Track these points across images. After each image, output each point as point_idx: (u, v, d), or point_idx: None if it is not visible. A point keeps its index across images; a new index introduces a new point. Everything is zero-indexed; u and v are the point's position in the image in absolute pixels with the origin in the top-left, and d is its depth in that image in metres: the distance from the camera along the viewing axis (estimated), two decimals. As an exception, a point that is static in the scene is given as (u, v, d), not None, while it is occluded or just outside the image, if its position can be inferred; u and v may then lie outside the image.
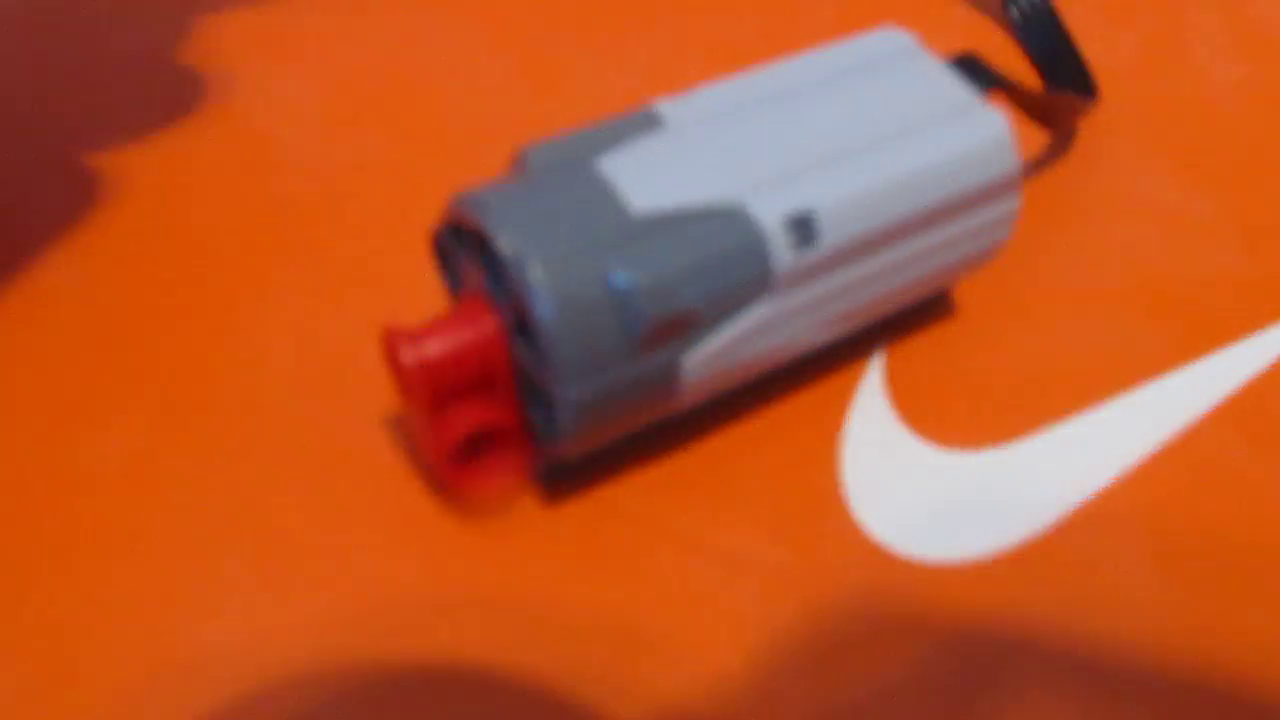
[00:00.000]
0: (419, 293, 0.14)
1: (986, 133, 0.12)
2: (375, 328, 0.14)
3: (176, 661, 0.11)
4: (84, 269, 0.14)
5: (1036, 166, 0.17)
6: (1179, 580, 0.12)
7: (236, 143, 0.15)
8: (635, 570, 0.12)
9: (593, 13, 0.18)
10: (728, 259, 0.11)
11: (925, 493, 0.13)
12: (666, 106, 0.12)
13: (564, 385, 0.10)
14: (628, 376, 0.11)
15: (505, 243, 0.10)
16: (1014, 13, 0.18)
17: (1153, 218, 0.16)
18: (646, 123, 0.12)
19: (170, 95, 0.16)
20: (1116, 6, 0.19)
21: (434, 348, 0.11)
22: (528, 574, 0.12)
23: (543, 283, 0.10)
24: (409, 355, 0.11)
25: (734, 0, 0.19)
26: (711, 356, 0.11)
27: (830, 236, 0.11)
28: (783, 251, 0.11)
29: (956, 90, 0.13)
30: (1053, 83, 0.18)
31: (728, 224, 0.11)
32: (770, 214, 0.11)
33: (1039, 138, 0.17)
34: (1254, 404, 0.14)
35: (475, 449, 0.11)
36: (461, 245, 0.12)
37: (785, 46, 0.18)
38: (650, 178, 0.11)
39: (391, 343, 0.11)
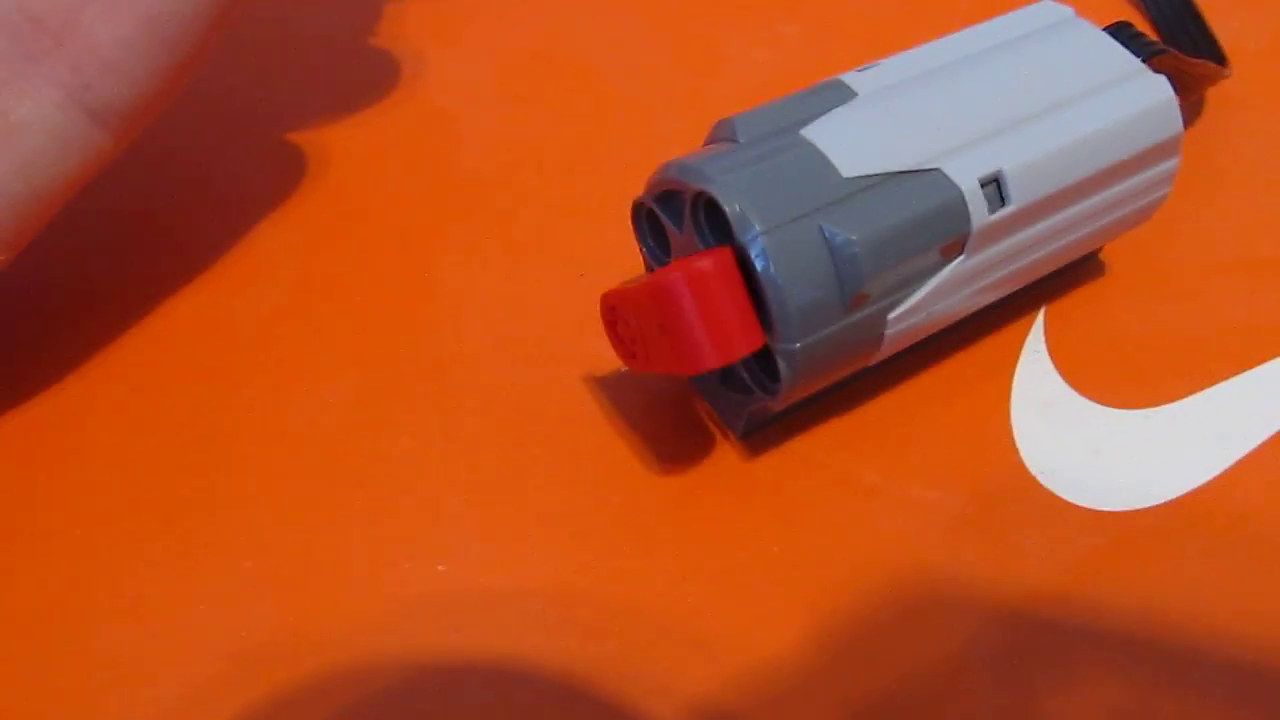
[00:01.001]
0: (597, 256, 0.15)
1: (1153, 97, 0.13)
2: (558, 289, 0.15)
3: (407, 598, 0.12)
4: (295, 241, 0.15)
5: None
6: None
7: (421, 121, 0.16)
8: (825, 518, 0.13)
9: (750, 9, 0.19)
10: (933, 219, 0.12)
11: (1091, 446, 0.14)
12: (853, 78, 0.13)
13: (785, 339, 0.11)
14: (842, 330, 0.12)
15: (730, 205, 0.11)
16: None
17: (1286, 184, 0.17)
18: (839, 93, 0.13)
19: (361, 77, 0.17)
20: None
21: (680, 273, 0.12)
22: (729, 522, 0.13)
23: (767, 240, 0.11)
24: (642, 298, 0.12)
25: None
26: (911, 311, 0.12)
27: (1018, 197, 0.12)
28: (980, 211, 0.12)
29: (1120, 57, 0.14)
30: (1181, 48, 0.18)
31: (931, 186, 0.12)
32: (966, 176, 0.12)
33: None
34: None
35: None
36: (669, 214, 0.13)
37: (923, 22, 0.19)
38: (853, 143, 0.12)
39: (616, 302, 0.12)
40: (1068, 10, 0.14)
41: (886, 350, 0.13)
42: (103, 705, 0.12)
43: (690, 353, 0.11)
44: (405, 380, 0.14)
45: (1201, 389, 0.14)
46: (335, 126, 0.16)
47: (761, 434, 0.14)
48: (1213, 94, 0.18)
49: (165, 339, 0.14)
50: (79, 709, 0.12)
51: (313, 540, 0.13)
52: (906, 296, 0.12)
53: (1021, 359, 0.14)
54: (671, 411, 0.14)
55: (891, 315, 0.12)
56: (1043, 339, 0.15)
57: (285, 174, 0.16)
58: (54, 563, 0.13)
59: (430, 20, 0.18)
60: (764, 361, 0.12)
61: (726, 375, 0.13)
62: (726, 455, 0.13)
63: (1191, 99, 0.18)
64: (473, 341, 0.15)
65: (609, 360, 0.14)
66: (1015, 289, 0.14)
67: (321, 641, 0.12)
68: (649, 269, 0.14)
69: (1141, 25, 0.19)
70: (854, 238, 0.11)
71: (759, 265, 0.11)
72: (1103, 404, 0.14)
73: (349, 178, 0.16)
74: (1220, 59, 0.18)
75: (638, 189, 0.13)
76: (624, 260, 0.14)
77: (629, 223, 0.14)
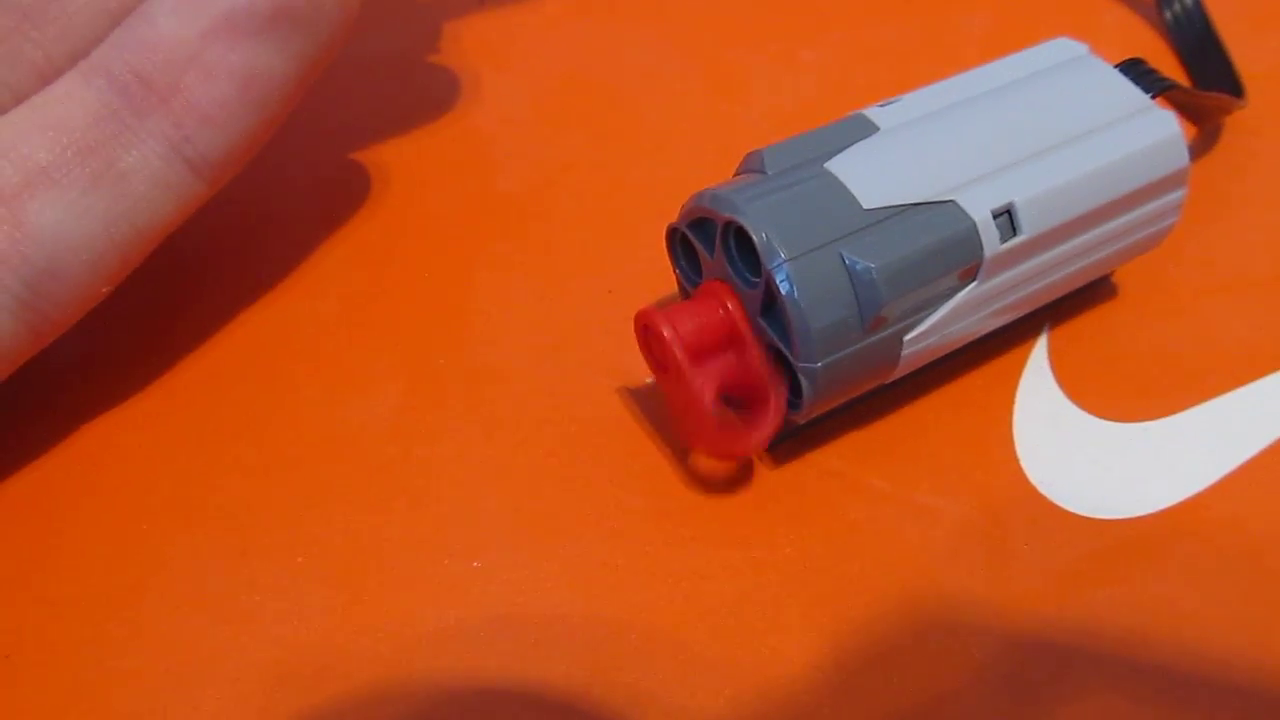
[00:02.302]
0: (628, 273, 0.16)
1: (1160, 132, 0.14)
2: (593, 307, 0.16)
3: (443, 593, 0.14)
4: (347, 255, 0.16)
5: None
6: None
7: (466, 142, 0.18)
8: (839, 521, 0.14)
9: (766, 26, 0.20)
10: (947, 248, 0.13)
11: (1089, 457, 0.15)
12: (875, 112, 0.14)
13: (808, 358, 0.13)
14: (860, 350, 0.13)
15: (758, 234, 0.13)
16: (1168, 16, 0.20)
17: (1297, 210, 0.18)
18: (861, 128, 0.14)
19: (414, 99, 0.18)
20: (1262, 15, 0.21)
21: (688, 324, 0.13)
22: (751, 524, 0.14)
23: (791, 267, 0.12)
24: (670, 330, 0.13)
25: (893, 12, 0.21)
26: (926, 334, 0.13)
27: (1028, 227, 0.13)
28: (991, 241, 0.13)
29: (1130, 93, 0.15)
30: (1201, 83, 0.20)
31: (946, 217, 0.13)
32: (980, 208, 0.13)
33: (1186, 133, 0.19)
34: None
35: (729, 414, 0.14)
36: (700, 239, 0.14)
37: (944, 53, 0.20)
38: (874, 176, 0.13)
39: (649, 320, 0.13)
40: (1082, 47, 0.15)
41: (903, 369, 0.14)
42: (167, 690, 0.13)
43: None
44: (447, 388, 0.16)
45: (1198, 403, 0.15)
46: (388, 146, 0.18)
47: (785, 445, 0.15)
48: (1230, 123, 0.19)
49: (225, 345, 0.16)
50: (145, 694, 0.13)
51: (360, 537, 0.14)
52: (922, 319, 0.13)
53: (1025, 374, 0.15)
54: None
55: (908, 337, 0.13)
56: (1046, 356, 0.16)
57: (340, 190, 0.17)
58: (121, 555, 0.14)
59: (482, 45, 0.19)
60: (788, 377, 0.13)
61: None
62: (753, 463, 0.15)
63: (1208, 127, 0.19)
64: (509, 352, 0.16)
65: (639, 372, 0.15)
66: (1026, 312, 0.15)
67: (368, 626, 0.13)
68: (681, 288, 0.15)
69: (1166, 56, 0.20)
70: (872, 265, 0.13)
71: (784, 290, 0.12)
72: (1102, 418, 0.15)
73: (398, 195, 0.17)
74: (1237, 89, 0.19)
75: (667, 209, 0.15)
76: (654, 277, 0.16)
77: (659, 242, 0.15)
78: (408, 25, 0.16)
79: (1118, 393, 0.15)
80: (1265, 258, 0.17)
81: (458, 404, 0.15)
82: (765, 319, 0.13)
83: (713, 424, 0.13)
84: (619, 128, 0.19)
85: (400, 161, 0.18)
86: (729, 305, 0.13)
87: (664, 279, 0.15)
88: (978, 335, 0.14)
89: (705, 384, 0.13)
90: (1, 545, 0.14)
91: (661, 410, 0.15)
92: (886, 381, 0.14)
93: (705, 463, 0.15)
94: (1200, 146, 0.19)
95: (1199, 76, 0.20)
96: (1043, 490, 0.14)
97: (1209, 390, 0.16)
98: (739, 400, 0.14)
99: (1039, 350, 0.16)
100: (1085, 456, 0.15)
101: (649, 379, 0.15)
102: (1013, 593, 0.14)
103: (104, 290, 0.13)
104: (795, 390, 0.13)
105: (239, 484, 0.15)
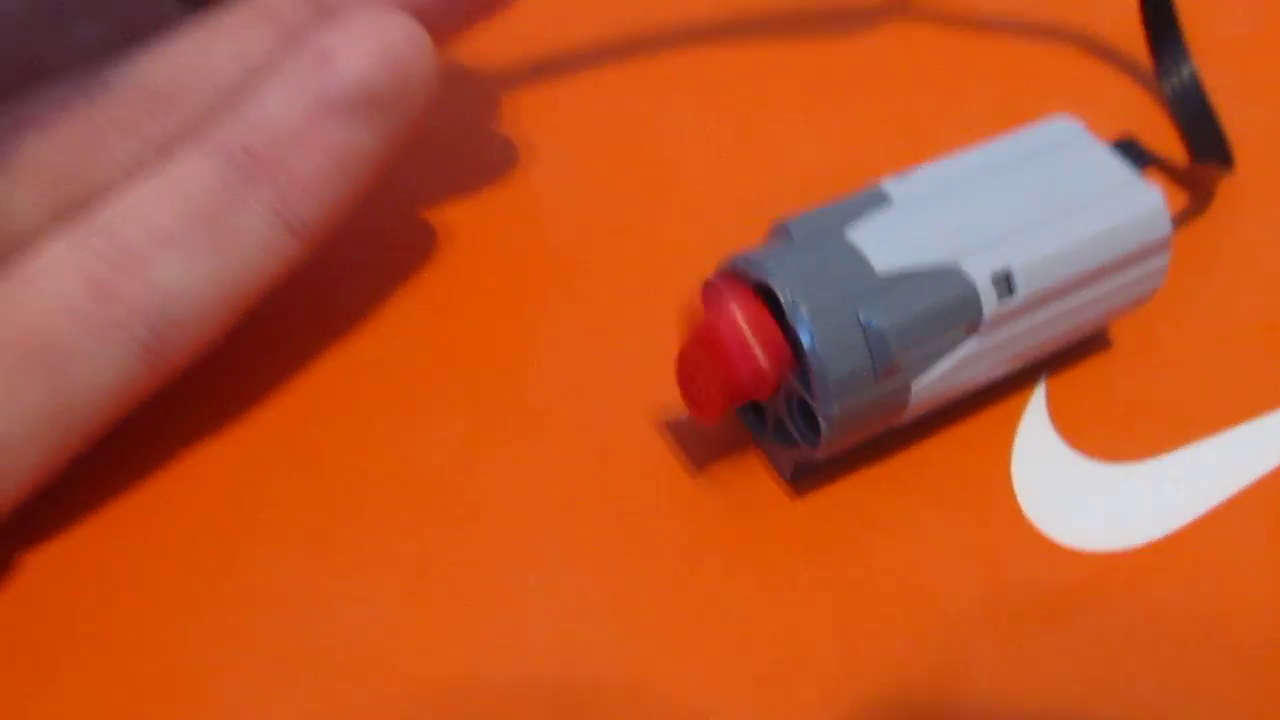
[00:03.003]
0: (666, 324, 0.18)
1: (1145, 205, 0.16)
2: (634, 351, 0.18)
3: (500, 605, 0.16)
4: (415, 304, 0.19)
5: (1179, 222, 0.20)
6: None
7: (519, 200, 0.20)
8: (852, 546, 0.16)
9: (795, 94, 0.22)
10: (951, 307, 0.15)
11: (1080, 494, 0.17)
12: (890, 185, 0.16)
13: (825, 402, 0.15)
14: (872, 397, 0.15)
15: (784, 293, 0.15)
16: (1168, 88, 0.22)
17: (1277, 270, 0.20)
18: (878, 198, 0.16)
19: (478, 162, 0.21)
20: (1254, 86, 0.23)
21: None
22: (773, 547, 0.16)
23: (813, 324, 0.14)
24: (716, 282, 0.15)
25: (911, 81, 0.23)
26: (932, 382, 0.15)
27: (1024, 289, 0.15)
28: (990, 301, 0.15)
29: (1119, 169, 0.17)
30: (1195, 148, 0.22)
31: (950, 280, 0.15)
32: (980, 272, 0.15)
33: (1181, 198, 0.21)
34: None
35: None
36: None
37: (958, 120, 0.22)
38: (887, 244, 0.15)
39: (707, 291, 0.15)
40: (1078, 125, 0.17)
41: (912, 413, 0.16)
42: (249, 683, 0.15)
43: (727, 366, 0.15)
44: (504, 421, 0.18)
45: (1181, 446, 0.17)
46: (451, 203, 0.20)
47: (806, 478, 0.17)
48: (1221, 186, 0.21)
49: (308, 379, 0.18)
50: (227, 687, 0.15)
51: (428, 551, 0.16)
52: (929, 370, 0.15)
53: (1024, 418, 0.18)
54: (731, 456, 0.17)
55: (916, 385, 0.15)
56: (1044, 401, 0.18)
57: (409, 243, 0.19)
58: (212, 561, 0.16)
59: (536, 112, 0.22)
60: (809, 419, 0.15)
61: (779, 428, 0.16)
62: (777, 495, 0.17)
63: (1199, 193, 0.21)
64: (559, 390, 0.18)
65: (675, 408, 0.17)
66: (1024, 364, 0.17)
67: (433, 631, 0.15)
68: (714, 337, 0.17)
69: (1165, 124, 0.22)
70: (884, 323, 0.15)
71: (805, 342, 0.15)
72: (1092, 458, 0.17)
73: (460, 248, 0.20)
74: (1226, 158, 0.21)
75: (701, 262, 0.17)
76: (685, 325, 0.18)
77: (697, 294, 0.17)
78: (471, 94, 0.18)
79: (1108, 435, 0.17)
80: (1248, 313, 0.19)
81: (514, 435, 0.18)
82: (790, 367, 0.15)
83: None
84: (660, 187, 0.21)
85: (462, 217, 0.20)
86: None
87: (674, 334, 0.17)
88: (980, 384, 0.16)
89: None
90: (114, 548, 0.16)
91: (699, 445, 0.17)
92: (897, 424, 0.16)
93: (736, 491, 0.17)
94: (1192, 209, 0.21)
95: (1195, 144, 0.22)
96: (1036, 524, 0.16)
97: (1192, 434, 0.18)
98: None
99: (1037, 396, 0.18)
100: (1076, 493, 0.17)
101: (684, 415, 0.17)
102: (1008, 614, 0.16)
103: (215, 338, 0.16)
104: (815, 430, 0.15)
105: (321, 503, 0.17)
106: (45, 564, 0.16)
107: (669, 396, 0.16)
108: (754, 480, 0.17)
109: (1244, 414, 0.18)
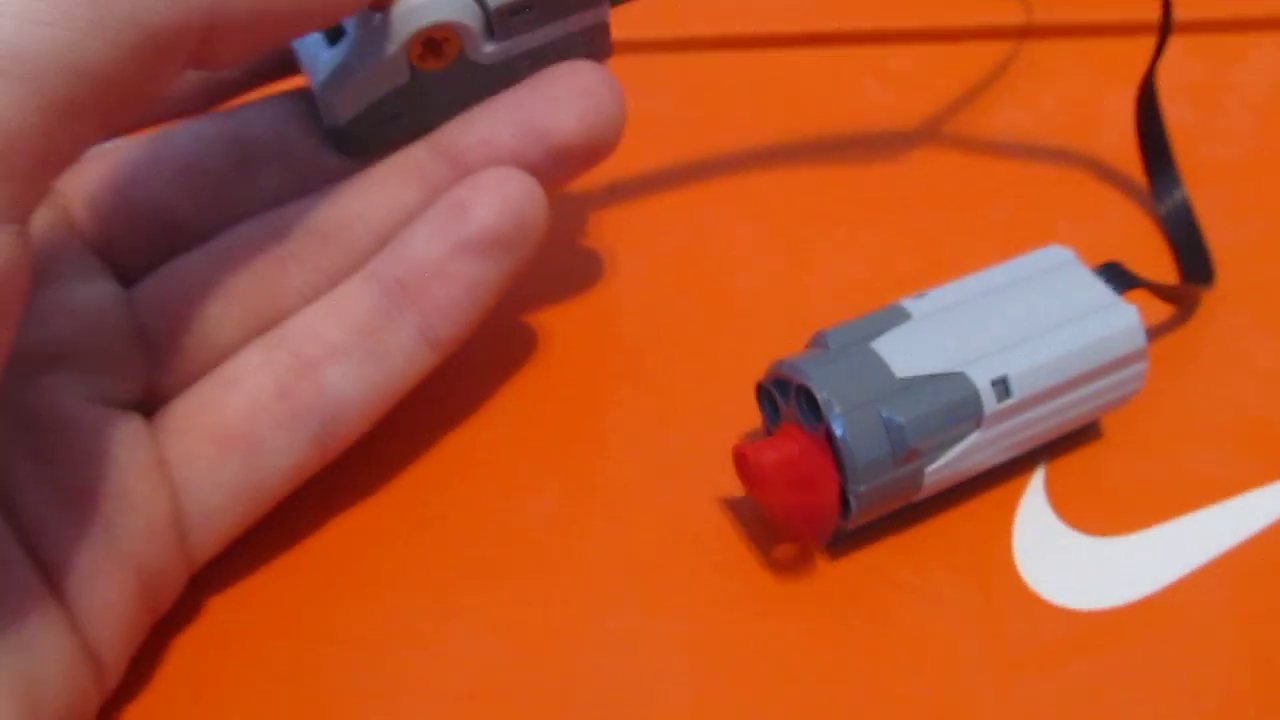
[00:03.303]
0: (724, 413, 0.22)
1: (1124, 322, 0.20)
2: (698, 436, 0.22)
3: (586, 646, 0.19)
4: (510, 395, 0.23)
5: (1166, 329, 0.24)
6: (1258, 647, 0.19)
7: (599, 304, 0.24)
8: (875, 603, 0.20)
9: (834, 213, 0.26)
10: (957, 406, 0.19)
11: (1071, 562, 0.20)
12: (909, 303, 0.20)
13: (854, 483, 0.18)
14: (892, 478, 0.18)
15: (821, 394, 0.18)
16: (1161, 210, 0.26)
17: (1253, 372, 0.23)
18: (899, 314, 0.20)
19: (560, 270, 0.25)
20: (1232, 205, 0.26)
21: (774, 454, 0.19)
22: (814, 602, 0.20)
23: (845, 419, 0.18)
24: (761, 459, 0.19)
25: (934, 202, 0.27)
26: (942, 467, 0.19)
27: (1019, 392, 0.19)
28: (989, 402, 0.19)
29: (1103, 291, 0.20)
30: (1183, 265, 0.25)
31: (957, 384, 0.19)
32: (982, 378, 0.19)
33: (1167, 309, 0.24)
34: None
35: (801, 515, 0.19)
36: (779, 391, 0.20)
37: (975, 236, 0.26)
38: (905, 353, 0.19)
39: (747, 453, 0.19)
40: (1070, 254, 0.21)
41: (927, 492, 0.19)
42: (389, 714, 0.19)
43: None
44: (589, 494, 0.21)
45: (1162, 522, 0.21)
46: (543, 308, 0.24)
47: (839, 545, 0.20)
48: (1206, 297, 0.24)
49: (430, 457, 0.22)
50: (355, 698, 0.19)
51: (527, 599, 0.20)
52: (940, 457, 0.19)
53: (1024, 497, 0.21)
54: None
55: (929, 469, 0.19)
56: (1042, 482, 0.21)
57: (508, 342, 0.23)
58: (365, 608, 0.20)
59: (613, 226, 0.26)
60: (840, 495, 0.19)
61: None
62: (815, 558, 0.20)
63: (1184, 304, 0.24)
64: (635, 469, 0.22)
65: (733, 487, 0.21)
66: (1021, 453, 0.20)
67: (529, 664, 0.19)
68: (766, 427, 0.21)
69: (1159, 240, 0.26)
70: (902, 419, 0.18)
71: (838, 433, 0.18)
72: (1082, 530, 0.21)
73: (552, 344, 0.23)
74: (1209, 276, 0.24)
75: (752, 358, 0.21)
76: (745, 415, 0.21)
77: (747, 388, 0.21)
78: (556, 210, 0.22)
79: (1096, 512, 0.21)
80: (1222, 410, 0.22)
81: (596, 505, 0.21)
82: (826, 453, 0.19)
83: (789, 521, 0.19)
84: (718, 294, 0.25)
85: (552, 318, 0.24)
86: (801, 442, 0.19)
87: (749, 416, 0.21)
88: (983, 469, 0.20)
89: (784, 494, 0.19)
90: (278, 593, 0.20)
91: (750, 515, 0.21)
92: (914, 501, 0.20)
93: (782, 555, 0.20)
94: (1178, 318, 0.24)
95: (1183, 261, 0.25)
96: (1032, 586, 0.20)
97: (1170, 512, 0.21)
98: (807, 506, 0.19)
99: (1037, 478, 0.21)
100: (1067, 560, 0.20)
101: (739, 491, 0.21)
102: (1007, 664, 0.19)
103: (366, 429, 0.20)
104: (845, 505, 0.19)
105: (440, 559, 0.21)
106: (226, 605, 0.20)
107: (725, 475, 0.20)
108: (795, 546, 0.21)
109: (1215, 496, 0.21)
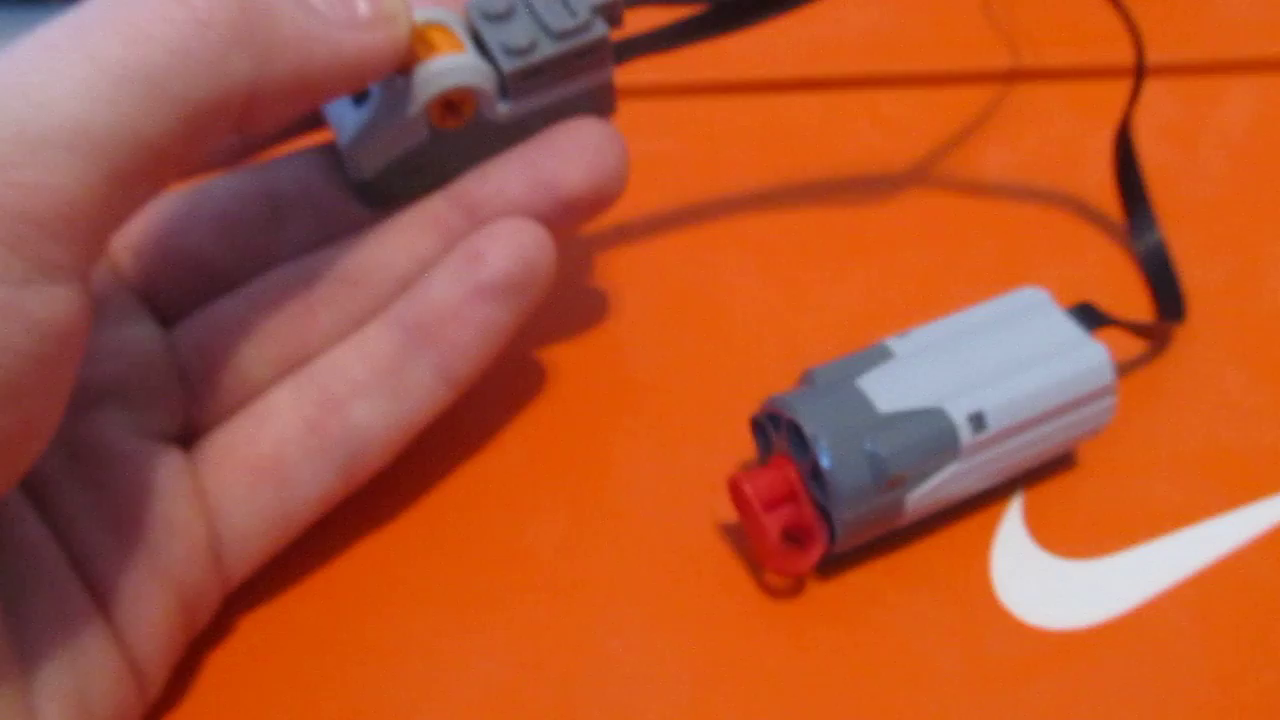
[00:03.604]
0: (721, 444, 0.24)
1: (1093, 360, 0.21)
2: (696, 466, 0.23)
3: (591, 661, 0.21)
4: (522, 422, 0.24)
5: (1140, 362, 0.25)
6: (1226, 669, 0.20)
7: (604, 340, 0.26)
8: (860, 620, 0.21)
9: (826, 251, 0.28)
10: (934, 439, 0.20)
11: (1045, 583, 0.22)
12: (892, 342, 0.22)
13: (839, 510, 0.20)
14: (875, 506, 0.20)
15: (809, 428, 0.20)
16: (1138, 248, 0.27)
17: (1222, 403, 0.24)
18: (883, 352, 0.21)
19: (566, 309, 0.26)
20: (1206, 243, 0.27)
21: (762, 484, 0.20)
22: (805, 619, 0.21)
23: (831, 451, 0.20)
24: (750, 489, 0.20)
25: (922, 240, 0.28)
26: (922, 495, 0.20)
27: (993, 426, 0.21)
28: (966, 435, 0.20)
29: (1074, 330, 0.22)
30: (1157, 301, 0.26)
31: (935, 418, 0.20)
32: (959, 412, 0.20)
33: (1142, 343, 0.26)
34: None
35: (789, 546, 0.21)
36: (772, 424, 0.21)
37: (961, 274, 0.27)
38: (888, 390, 0.21)
39: (736, 481, 0.20)
40: (1043, 294, 0.23)
41: (909, 519, 0.21)
42: (418, 684, 0.20)
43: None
44: (593, 521, 0.23)
45: (1133, 545, 0.22)
46: (550, 344, 0.26)
47: (828, 567, 0.22)
48: (1178, 333, 0.26)
49: (448, 487, 0.23)
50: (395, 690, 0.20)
51: (536, 618, 0.22)
52: (919, 486, 0.20)
53: (1002, 521, 0.22)
54: None
55: (909, 498, 0.20)
56: (1020, 508, 0.23)
57: (515, 378, 0.25)
58: (386, 627, 0.22)
59: (618, 266, 0.27)
60: (828, 521, 0.21)
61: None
62: (805, 579, 0.22)
63: (1157, 339, 0.26)
64: (637, 497, 0.23)
65: (729, 514, 0.22)
66: (998, 482, 0.22)
67: (538, 677, 0.21)
68: (759, 456, 0.22)
69: (1135, 276, 0.27)
70: (883, 452, 0.20)
71: (825, 463, 0.20)
72: (1056, 554, 0.22)
73: (560, 379, 0.25)
74: (1179, 312, 0.26)
75: (748, 391, 0.22)
76: (741, 446, 0.23)
77: (742, 420, 0.22)
78: (564, 250, 0.24)
79: (1070, 536, 0.22)
80: (1190, 440, 0.24)
81: (602, 531, 0.23)
82: (813, 482, 0.20)
83: (778, 551, 0.20)
84: (717, 329, 0.26)
85: (561, 354, 0.26)
86: (790, 473, 0.21)
87: (745, 447, 0.23)
88: (962, 497, 0.22)
89: (773, 524, 0.20)
90: (305, 611, 0.22)
91: (744, 539, 0.22)
92: (897, 527, 0.21)
93: (774, 578, 0.22)
94: (1153, 350, 0.26)
95: (1158, 297, 0.27)
96: (1009, 607, 0.21)
97: (1140, 537, 0.22)
98: (795, 535, 0.21)
99: (1015, 504, 0.23)
100: (1041, 582, 0.22)
101: (734, 519, 0.22)
102: (983, 678, 0.20)
103: (389, 461, 0.21)
104: (832, 531, 0.20)
105: (455, 580, 0.22)
106: (258, 623, 0.22)
107: (722, 501, 0.22)
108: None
109: (1183, 521, 0.23)
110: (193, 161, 0.17)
